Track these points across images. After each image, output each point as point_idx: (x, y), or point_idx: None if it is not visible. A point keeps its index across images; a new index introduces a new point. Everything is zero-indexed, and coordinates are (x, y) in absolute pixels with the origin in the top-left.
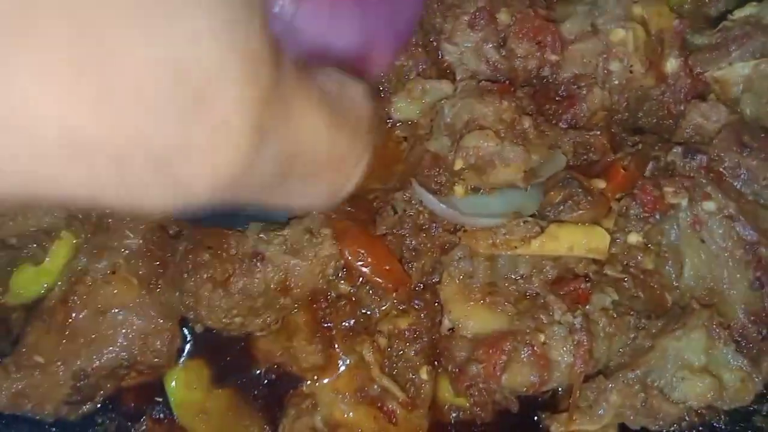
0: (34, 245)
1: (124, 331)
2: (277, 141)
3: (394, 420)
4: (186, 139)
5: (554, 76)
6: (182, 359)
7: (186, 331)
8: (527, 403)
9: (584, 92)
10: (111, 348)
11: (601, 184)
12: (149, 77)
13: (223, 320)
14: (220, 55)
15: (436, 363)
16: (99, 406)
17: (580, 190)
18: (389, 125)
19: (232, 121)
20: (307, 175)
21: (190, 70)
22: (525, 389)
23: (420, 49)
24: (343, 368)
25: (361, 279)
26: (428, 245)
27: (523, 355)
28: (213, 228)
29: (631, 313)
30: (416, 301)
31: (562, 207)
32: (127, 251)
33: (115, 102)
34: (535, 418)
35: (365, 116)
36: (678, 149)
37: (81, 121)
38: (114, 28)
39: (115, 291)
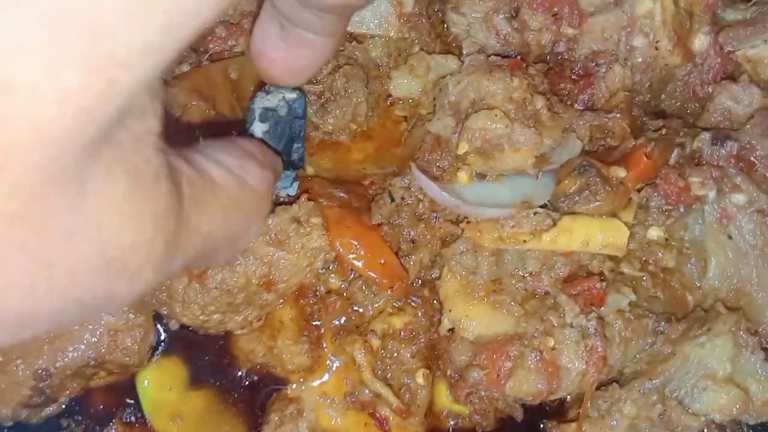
0: None
1: (91, 326)
2: (181, 252)
3: (387, 427)
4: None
5: (570, 52)
6: (156, 358)
7: (160, 328)
8: (532, 410)
9: (603, 70)
10: (76, 345)
11: (621, 172)
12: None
13: (200, 317)
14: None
15: (433, 366)
16: (64, 407)
17: (597, 178)
18: (388, 103)
19: (143, 272)
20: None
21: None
22: (531, 398)
23: (423, 20)
24: (331, 370)
25: (353, 273)
26: (428, 237)
27: (530, 361)
28: None
29: (650, 315)
30: (413, 298)
31: (577, 197)
32: None
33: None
34: (541, 426)
35: (261, 197)
36: (706, 135)
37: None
38: None
39: None
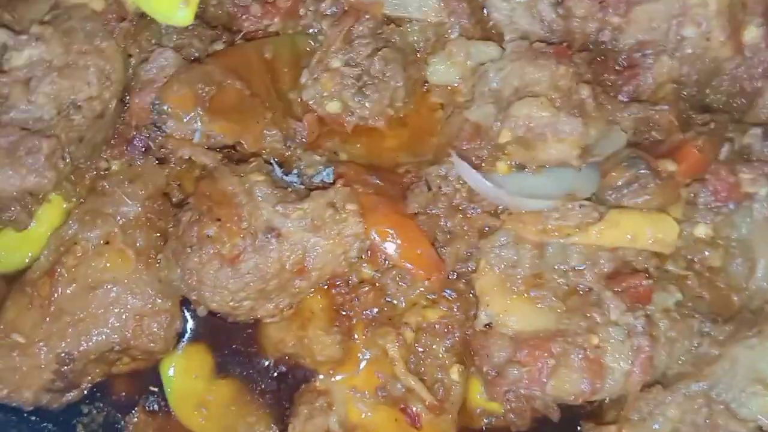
0: (18, 208)
1: (116, 310)
2: None
3: (419, 424)
4: None
5: (615, 41)
6: (182, 345)
7: (187, 313)
8: (569, 411)
9: (650, 61)
10: (101, 329)
11: (671, 165)
12: None
13: (230, 303)
14: None
15: (467, 362)
16: (86, 393)
17: (647, 171)
18: (424, 90)
19: None
20: None
21: None
22: (573, 398)
23: (464, 5)
24: (362, 363)
25: (387, 263)
26: (465, 228)
27: (573, 360)
28: (222, 194)
29: (695, 315)
30: (448, 291)
31: (625, 190)
32: (123, 219)
33: None
34: (578, 428)
35: None
36: (757, 131)
37: None
38: None
39: (108, 264)
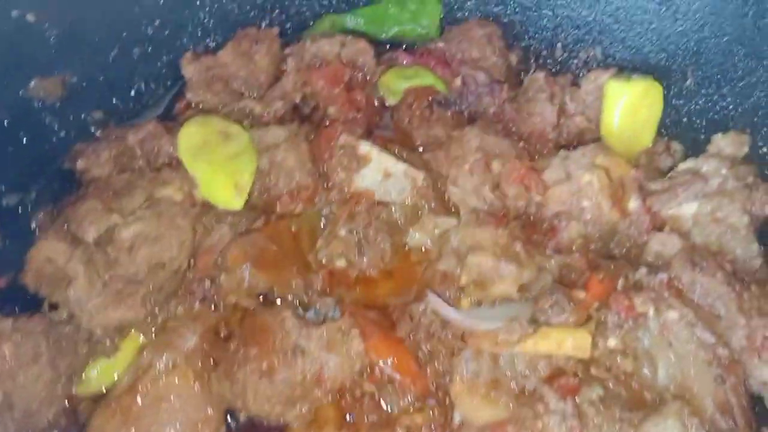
0: (108, 341)
1: (180, 416)
2: None
3: None
4: None
5: (538, 213)
6: None
7: (229, 420)
8: None
9: (564, 224)
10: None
11: (581, 294)
12: None
13: (266, 407)
14: None
15: None
16: None
17: (564, 297)
18: (405, 250)
19: None
20: None
21: None
22: None
23: (431, 191)
24: None
25: (383, 377)
26: (440, 348)
27: None
28: (261, 326)
29: (615, 406)
30: (430, 400)
31: (550, 312)
32: (186, 349)
33: None
34: None
35: None
36: (643, 269)
37: None
38: None
39: (176, 381)
